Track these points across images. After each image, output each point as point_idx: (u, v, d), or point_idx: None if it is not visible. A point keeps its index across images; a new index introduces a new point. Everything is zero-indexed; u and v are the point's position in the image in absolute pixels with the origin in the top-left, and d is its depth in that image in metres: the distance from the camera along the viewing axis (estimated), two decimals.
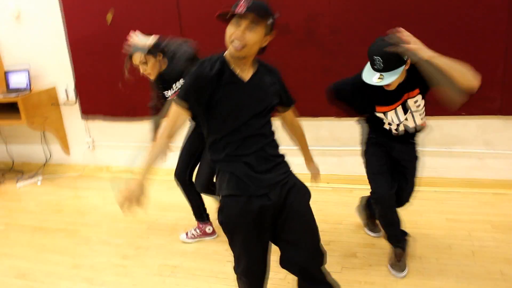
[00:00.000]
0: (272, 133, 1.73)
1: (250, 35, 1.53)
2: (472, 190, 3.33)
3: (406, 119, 2.22)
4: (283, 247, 1.74)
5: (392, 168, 2.39)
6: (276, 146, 1.75)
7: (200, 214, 2.94)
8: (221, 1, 3.04)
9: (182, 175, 2.82)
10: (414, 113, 2.20)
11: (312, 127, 3.50)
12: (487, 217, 2.93)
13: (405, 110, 2.19)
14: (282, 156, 1.75)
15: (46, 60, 4.28)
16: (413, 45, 1.86)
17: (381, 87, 2.07)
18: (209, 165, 2.60)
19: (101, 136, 4.41)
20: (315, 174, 2.12)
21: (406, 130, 2.27)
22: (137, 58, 2.50)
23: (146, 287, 2.49)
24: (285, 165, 1.75)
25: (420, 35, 1.92)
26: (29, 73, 4.23)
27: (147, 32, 2.60)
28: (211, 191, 2.77)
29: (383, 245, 2.61)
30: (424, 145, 3.09)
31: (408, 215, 2.65)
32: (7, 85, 4.34)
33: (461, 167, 3.40)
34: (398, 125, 2.24)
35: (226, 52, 1.63)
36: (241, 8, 1.49)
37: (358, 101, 2.27)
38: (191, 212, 2.95)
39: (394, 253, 2.45)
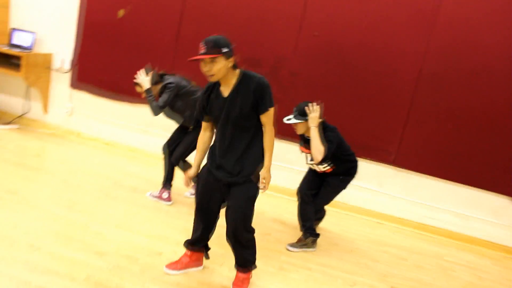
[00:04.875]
0: (246, 137, 2.39)
1: (214, 67, 2.22)
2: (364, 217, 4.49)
3: (311, 164, 3.41)
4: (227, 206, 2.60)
5: (318, 183, 3.49)
6: (246, 145, 2.40)
7: (166, 180, 3.83)
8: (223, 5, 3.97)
9: (168, 147, 3.81)
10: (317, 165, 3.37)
11: None
12: (368, 236, 4.06)
13: (311, 159, 3.36)
14: (250, 152, 2.43)
15: (51, 28, 4.99)
16: (312, 114, 3.12)
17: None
18: (184, 146, 3.66)
19: (81, 105, 5.11)
20: (263, 178, 2.49)
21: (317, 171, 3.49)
22: (140, 89, 3.58)
23: (120, 218, 3.28)
24: (246, 166, 2.43)
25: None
26: (35, 36, 4.89)
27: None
28: (180, 165, 3.74)
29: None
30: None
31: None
32: (10, 40, 4.94)
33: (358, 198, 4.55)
34: (310, 164, 3.45)
35: None
36: (201, 51, 2.21)
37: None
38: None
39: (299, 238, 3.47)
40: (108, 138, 5.09)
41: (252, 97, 2.32)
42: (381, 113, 4.35)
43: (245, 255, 2.67)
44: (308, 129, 3.22)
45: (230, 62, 2.28)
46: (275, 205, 4.34)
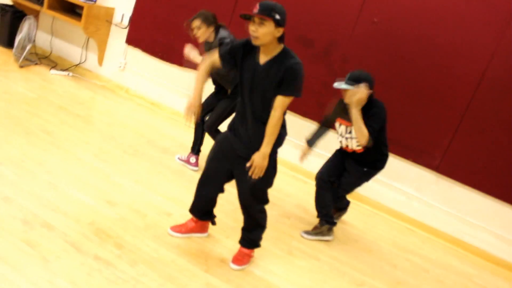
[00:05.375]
0: (265, 111, 2.24)
1: (261, 29, 2.12)
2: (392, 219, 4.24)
3: (347, 138, 3.15)
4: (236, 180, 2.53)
5: (339, 170, 3.31)
6: (261, 122, 2.28)
7: (194, 146, 3.83)
8: None
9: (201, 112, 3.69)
10: (353, 138, 3.13)
11: (296, 123, 4.38)
12: (394, 239, 3.83)
13: (350, 131, 3.12)
14: (261, 132, 2.29)
15: None
16: (361, 89, 2.85)
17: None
18: (217, 114, 3.54)
19: (133, 62, 5.23)
20: (252, 161, 2.30)
21: (347, 148, 3.22)
22: (197, 32, 3.38)
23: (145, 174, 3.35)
24: (259, 141, 2.29)
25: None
26: None
27: None
28: (211, 135, 3.63)
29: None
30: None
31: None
32: None
33: (391, 199, 4.29)
34: (342, 138, 3.20)
35: None
36: (254, 10, 2.13)
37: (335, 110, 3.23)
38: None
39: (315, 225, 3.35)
40: (154, 98, 5.19)
41: (281, 75, 2.19)
42: (432, 114, 4.02)
43: (252, 231, 2.62)
44: None
45: (278, 32, 2.16)
46: (302, 190, 4.21)
